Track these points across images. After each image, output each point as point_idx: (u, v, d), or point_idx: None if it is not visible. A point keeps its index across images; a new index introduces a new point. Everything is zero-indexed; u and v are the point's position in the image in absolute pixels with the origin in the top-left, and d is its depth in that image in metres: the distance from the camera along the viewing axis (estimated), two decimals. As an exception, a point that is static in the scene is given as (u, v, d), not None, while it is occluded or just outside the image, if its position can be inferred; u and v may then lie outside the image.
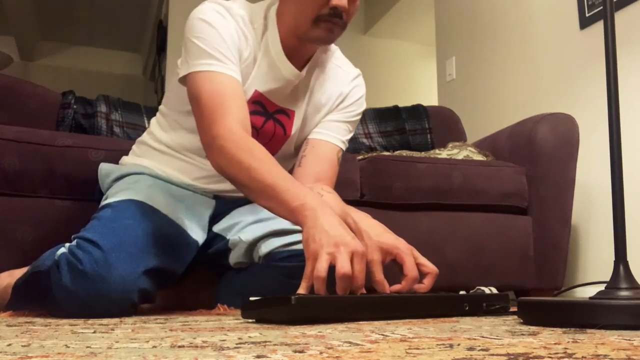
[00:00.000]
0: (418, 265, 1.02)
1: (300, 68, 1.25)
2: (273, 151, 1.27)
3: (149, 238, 1.08)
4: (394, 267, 1.04)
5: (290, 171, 1.28)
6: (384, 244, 1.04)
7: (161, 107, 1.37)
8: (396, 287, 1.01)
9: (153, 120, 1.38)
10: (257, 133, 1.25)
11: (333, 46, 1.34)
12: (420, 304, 0.94)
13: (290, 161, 1.39)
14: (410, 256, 1.02)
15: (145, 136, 1.37)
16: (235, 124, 1.09)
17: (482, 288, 1.06)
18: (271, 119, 1.26)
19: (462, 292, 1.04)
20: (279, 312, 0.82)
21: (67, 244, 1.05)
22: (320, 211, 0.96)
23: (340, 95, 1.33)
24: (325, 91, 1.32)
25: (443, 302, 0.97)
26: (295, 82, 1.25)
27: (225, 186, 1.29)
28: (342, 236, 0.93)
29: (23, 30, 5.75)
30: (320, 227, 0.93)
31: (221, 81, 1.13)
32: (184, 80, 1.18)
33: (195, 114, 1.15)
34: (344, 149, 1.34)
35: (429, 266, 1.03)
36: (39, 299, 1.06)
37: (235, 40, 1.17)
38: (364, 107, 1.38)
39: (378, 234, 1.06)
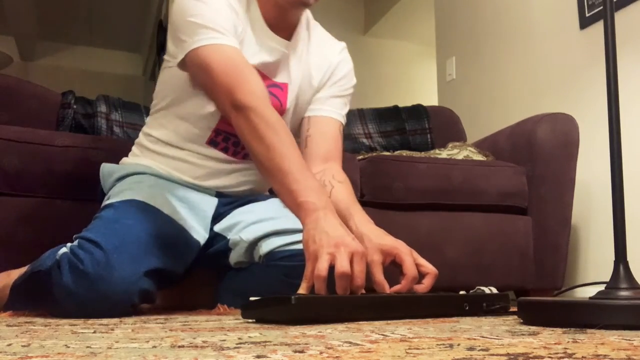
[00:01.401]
0: (417, 266, 1.03)
1: (287, 38, 1.26)
2: None
3: (150, 239, 1.08)
4: (393, 270, 1.05)
5: None
6: (384, 245, 1.04)
7: (152, 106, 1.36)
8: (396, 287, 1.01)
9: (147, 120, 1.38)
10: None
11: (314, 22, 1.35)
12: (420, 304, 0.94)
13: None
14: (410, 256, 1.03)
15: (141, 138, 1.37)
16: (258, 90, 1.10)
17: (482, 288, 1.06)
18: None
19: (462, 292, 1.04)
20: (279, 312, 0.82)
21: (69, 244, 1.05)
22: (323, 213, 0.97)
23: (329, 66, 1.34)
24: (315, 62, 1.32)
25: (443, 302, 0.97)
26: (285, 52, 1.26)
27: (226, 181, 1.29)
28: (342, 237, 0.93)
29: (23, 30, 5.75)
30: (320, 228, 0.94)
31: (230, 51, 1.13)
32: (183, 63, 1.17)
33: (207, 85, 1.15)
34: (343, 123, 1.34)
35: (429, 267, 1.04)
36: (39, 298, 1.06)
37: (229, 15, 1.18)
38: (354, 81, 1.38)
39: (378, 236, 1.06)
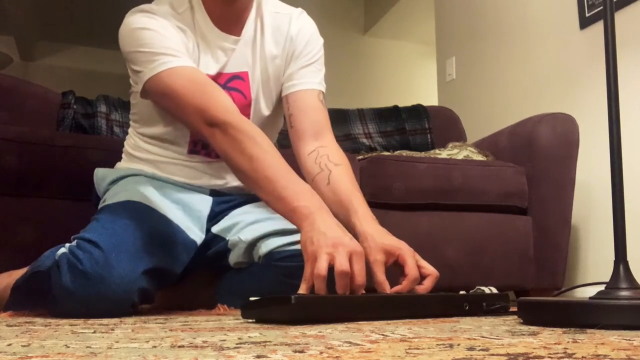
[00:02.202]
0: (419, 267, 1.02)
1: (238, 32, 1.25)
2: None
3: (147, 238, 1.08)
4: (394, 270, 1.05)
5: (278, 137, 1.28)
6: (387, 245, 1.03)
7: (131, 119, 1.36)
8: (396, 287, 1.01)
9: (131, 125, 1.37)
10: None
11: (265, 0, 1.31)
12: (421, 304, 0.94)
13: (273, 127, 1.37)
14: (412, 257, 1.02)
15: (127, 146, 1.36)
16: (229, 104, 1.09)
17: (482, 288, 1.06)
18: (225, 89, 1.22)
19: (462, 292, 1.04)
20: (279, 312, 0.82)
21: (67, 244, 1.05)
22: (318, 214, 0.97)
23: (290, 39, 1.29)
24: (274, 40, 1.29)
25: (443, 301, 0.97)
26: (235, 47, 1.24)
27: (218, 180, 1.30)
28: (340, 237, 0.93)
29: (23, 30, 5.75)
30: (317, 230, 0.94)
31: (189, 72, 1.12)
32: (144, 92, 1.16)
33: (175, 109, 1.14)
34: (322, 90, 1.30)
35: (430, 269, 1.03)
36: (39, 299, 1.06)
37: (176, 35, 1.17)
38: (320, 41, 1.33)
39: (381, 236, 1.06)
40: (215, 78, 1.23)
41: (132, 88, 1.27)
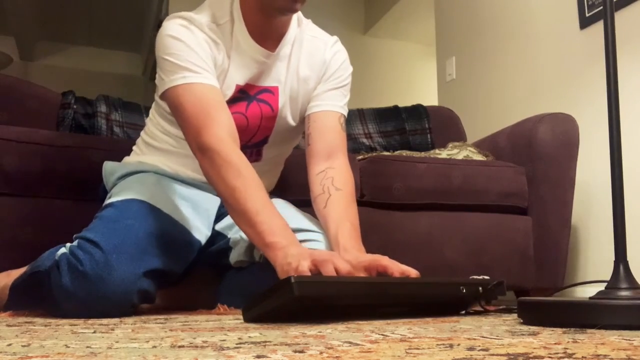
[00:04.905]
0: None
1: (274, 48, 1.26)
2: (268, 131, 1.30)
3: (150, 239, 1.08)
4: None
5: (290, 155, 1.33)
6: (365, 262, 1.05)
7: (155, 107, 1.37)
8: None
9: (149, 120, 1.39)
10: (245, 118, 1.26)
11: (305, 20, 1.35)
12: (420, 288, 0.96)
13: (291, 142, 1.41)
14: (392, 262, 1.04)
15: (144, 137, 1.37)
16: (224, 133, 1.12)
17: (476, 277, 1.07)
18: (254, 100, 1.27)
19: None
20: (280, 297, 0.81)
21: (68, 244, 1.05)
22: (291, 248, 0.99)
23: (323, 63, 1.34)
24: (308, 63, 1.32)
25: (441, 286, 0.99)
26: (268, 62, 1.26)
27: None
28: (312, 250, 0.97)
29: (23, 30, 5.75)
30: (291, 257, 0.95)
31: (201, 91, 1.14)
32: (163, 96, 1.19)
33: (180, 125, 1.17)
34: (344, 114, 1.34)
35: (411, 270, 1.04)
36: (38, 299, 1.06)
37: (206, 50, 1.19)
38: (350, 69, 1.38)
39: (357, 257, 1.07)
40: (245, 88, 1.25)
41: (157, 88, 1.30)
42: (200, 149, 1.11)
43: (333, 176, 1.25)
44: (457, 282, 0.99)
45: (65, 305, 1.00)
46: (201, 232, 1.22)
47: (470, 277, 1.08)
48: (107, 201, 1.21)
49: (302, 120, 1.35)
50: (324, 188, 1.23)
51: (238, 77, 1.24)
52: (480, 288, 0.99)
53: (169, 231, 1.14)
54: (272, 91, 1.29)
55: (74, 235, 1.07)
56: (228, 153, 1.09)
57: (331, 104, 1.32)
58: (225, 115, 1.15)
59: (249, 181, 1.07)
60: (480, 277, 1.07)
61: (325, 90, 1.33)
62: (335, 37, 1.39)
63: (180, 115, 1.15)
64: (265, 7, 1.20)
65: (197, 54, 1.17)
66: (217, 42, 1.22)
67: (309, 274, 0.90)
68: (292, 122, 1.33)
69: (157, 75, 1.23)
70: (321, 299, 0.83)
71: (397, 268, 1.02)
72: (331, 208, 1.20)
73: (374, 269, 1.04)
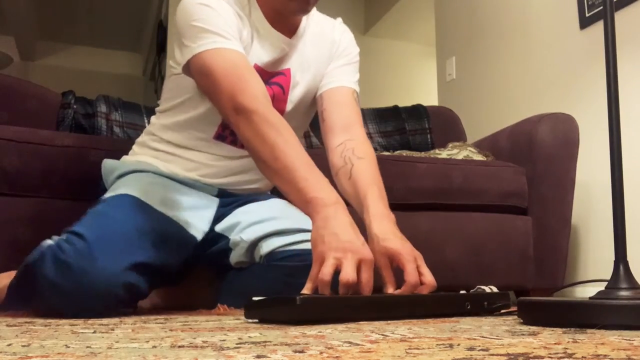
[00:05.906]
0: (418, 274, 1.02)
1: (290, 35, 1.27)
2: (279, 111, 1.28)
3: (138, 233, 1.06)
4: (398, 271, 1.04)
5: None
6: (388, 249, 1.02)
7: (158, 109, 1.36)
8: (397, 292, 1.00)
9: (153, 121, 1.38)
10: None
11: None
12: (424, 304, 0.94)
13: (298, 130, 1.38)
14: (412, 263, 1.01)
15: (145, 138, 1.36)
16: (260, 94, 1.10)
17: (483, 287, 1.06)
18: (267, 85, 1.24)
19: (462, 292, 1.04)
20: (284, 313, 0.82)
21: (56, 237, 1.04)
22: (333, 209, 0.96)
23: (333, 42, 1.35)
24: (317, 46, 1.33)
25: (445, 301, 0.96)
26: (285, 47, 1.27)
27: (233, 179, 1.29)
28: (352, 242, 0.92)
29: (23, 30, 5.75)
30: (330, 229, 0.93)
31: (232, 56, 1.13)
32: (187, 68, 1.17)
33: (210, 90, 1.14)
34: (357, 90, 1.34)
35: (428, 278, 1.01)
36: (29, 295, 1.05)
37: (234, 20, 1.18)
38: (358, 48, 1.40)
39: (385, 238, 1.04)
40: (260, 70, 1.24)
41: (171, 70, 1.29)
42: (237, 110, 1.07)
43: (353, 147, 1.23)
44: (462, 297, 0.97)
45: (49, 298, 0.98)
46: (197, 229, 1.21)
47: (477, 287, 1.07)
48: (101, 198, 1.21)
49: (312, 105, 1.35)
50: (346, 159, 1.21)
51: (257, 57, 1.24)
52: (485, 303, 0.97)
53: (159, 227, 1.12)
54: (285, 73, 1.29)
55: (63, 230, 1.06)
56: (266, 112, 1.07)
57: (345, 80, 1.32)
58: (257, 79, 1.13)
59: (289, 138, 1.05)
60: (487, 287, 1.05)
61: (337, 67, 1.34)
62: (339, 19, 1.40)
63: (211, 79, 1.11)
64: (280, 11, 1.22)
65: (226, 22, 1.15)
66: (242, 17, 1.22)
67: (329, 278, 0.88)
68: (302, 107, 1.32)
69: (177, 47, 1.21)
70: (325, 318, 0.83)
71: (413, 279, 0.98)
72: (357, 176, 1.17)
73: (393, 261, 1.02)
